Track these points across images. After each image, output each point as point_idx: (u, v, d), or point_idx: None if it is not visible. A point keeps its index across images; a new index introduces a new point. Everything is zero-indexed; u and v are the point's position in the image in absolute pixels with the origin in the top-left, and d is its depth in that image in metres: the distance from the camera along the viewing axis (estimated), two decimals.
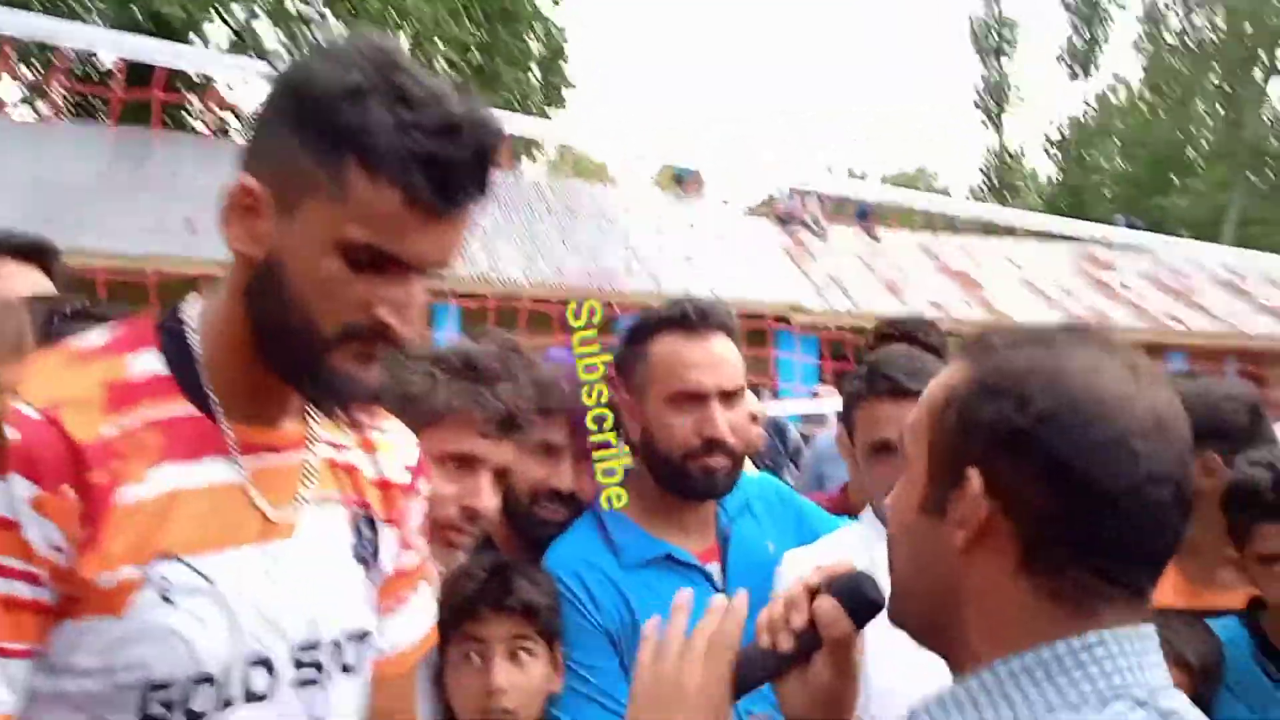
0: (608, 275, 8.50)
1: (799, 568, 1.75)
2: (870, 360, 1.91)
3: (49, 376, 1.05)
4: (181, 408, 1.09)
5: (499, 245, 11.24)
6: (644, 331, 1.86)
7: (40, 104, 18.10)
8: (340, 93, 1.00)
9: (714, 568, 1.87)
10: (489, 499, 1.64)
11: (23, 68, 16.09)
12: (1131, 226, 13.42)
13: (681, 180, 16.43)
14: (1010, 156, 34.57)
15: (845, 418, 1.94)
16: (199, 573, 1.05)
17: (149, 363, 1.09)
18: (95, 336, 1.11)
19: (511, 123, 6.74)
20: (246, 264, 1.08)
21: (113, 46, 5.84)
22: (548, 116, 22.23)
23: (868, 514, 1.91)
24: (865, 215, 17.17)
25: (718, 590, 1.83)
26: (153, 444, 1.05)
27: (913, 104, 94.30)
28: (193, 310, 1.14)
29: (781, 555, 1.86)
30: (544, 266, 10.54)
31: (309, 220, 1.03)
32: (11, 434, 0.98)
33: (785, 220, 17.25)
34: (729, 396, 1.82)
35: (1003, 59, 33.66)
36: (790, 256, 15.63)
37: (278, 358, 1.09)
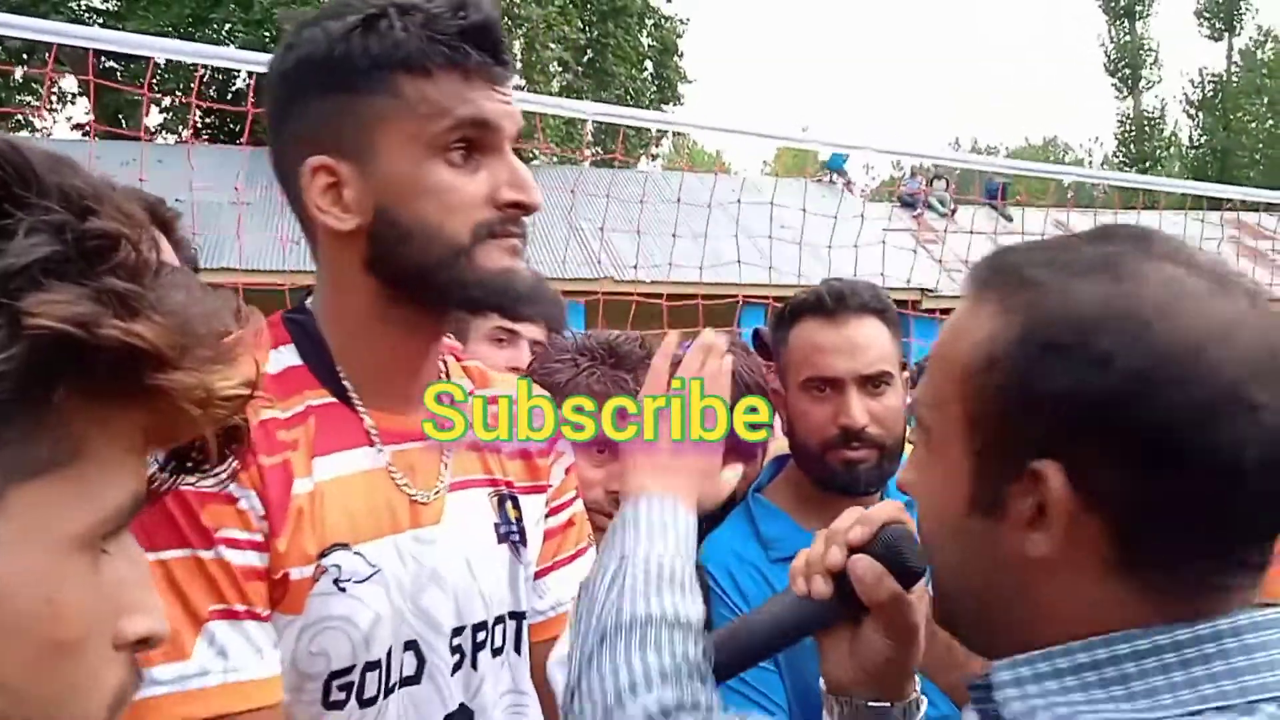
0: (724, 266, 8.43)
1: None
2: None
3: None
4: (322, 397, 1.09)
5: (614, 239, 11.30)
6: (785, 317, 1.80)
7: (182, 129, 19.11)
8: (353, 33, 1.02)
9: None
10: None
11: (166, 99, 17.05)
12: None
13: (836, 170, 16.25)
14: (1147, 122, 32.80)
15: None
16: (367, 560, 1.06)
17: (286, 357, 1.10)
18: None
19: (628, 116, 6.75)
20: (358, 237, 1.07)
21: (243, 63, 6.11)
22: (664, 112, 22.28)
23: None
24: (995, 194, 16.60)
25: None
26: (309, 435, 1.06)
27: (1038, 74, 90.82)
28: (315, 303, 1.15)
29: None
30: (659, 259, 10.55)
31: (392, 150, 1.04)
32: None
33: (909, 203, 16.81)
34: (870, 382, 1.71)
35: (1136, 21, 31.93)
36: (915, 239, 15.23)
37: (434, 293, 1.08)
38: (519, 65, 20.02)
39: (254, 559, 1.00)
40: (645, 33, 22.20)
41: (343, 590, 1.04)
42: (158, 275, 0.55)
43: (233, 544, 0.99)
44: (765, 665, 1.69)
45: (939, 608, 0.84)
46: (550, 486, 1.29)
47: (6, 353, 0.49)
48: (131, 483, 0.57)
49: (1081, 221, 16.76)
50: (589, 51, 20.83)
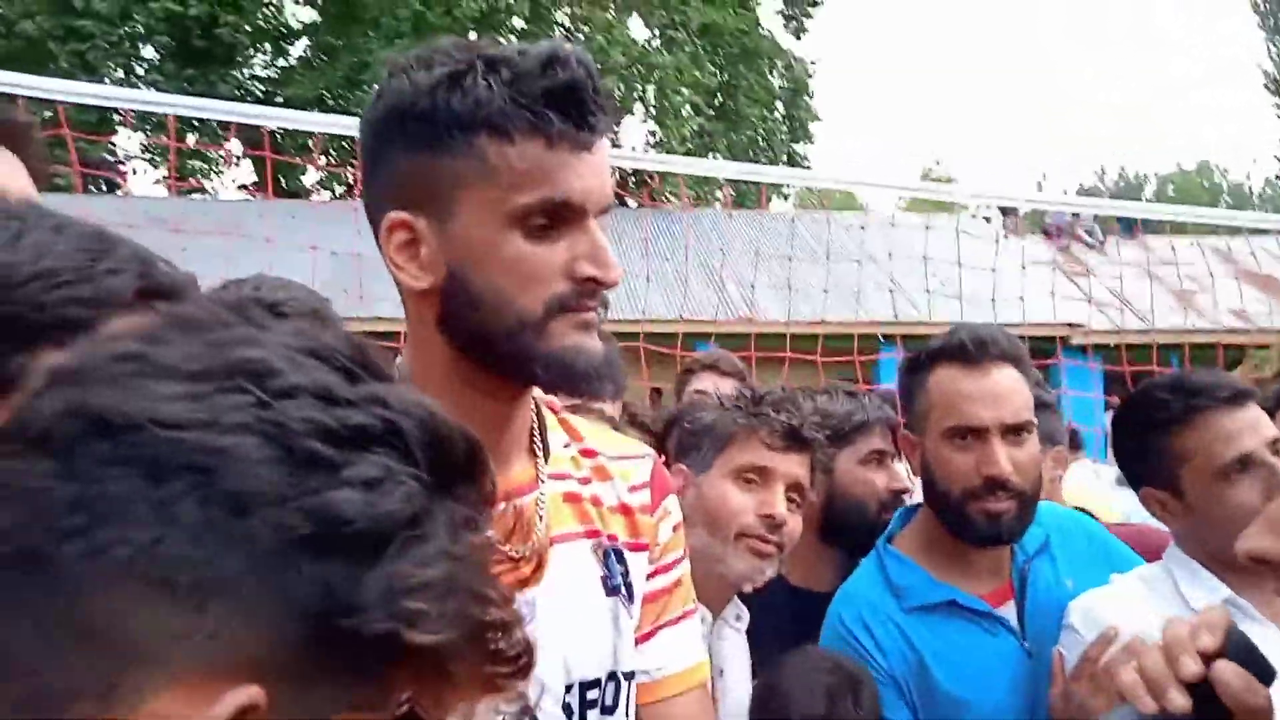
0: (869, 310, 8.37)
1: (1089, 616, 1.63)
2: (1174, 379, 1.71)
3: None
4: None
5: (756, 287, 11.33)
6: (923, 363, 1.79)
7: (336, 187, 20.21)
8: (439, 88, 0.99)
9: (1008, 610, 1.76)
10: (783, 506, 1.68)
11: (321, 158, 18.08)
12: None
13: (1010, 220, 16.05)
14: None
15: (1155, 445, 1.69)
16: None
17: None
18: None
19: (764, 174, 6.83)
20: (432, 296, 1.05)
21: None
22: (795, 151, 22.28)
23: (1173, 552, 1.72)
24: (1131, 225, 15.91)
25: (1013, 635, 1.74)
26: None
27: (1190, 92, 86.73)
28: (402, 362, 1.12)
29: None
30: (803, 307, 10.53)
31: (470, 214, 1.01)
32: None
33: (1055, 234, 16.30)
34: (1013, 431, 1.70)
35: None
36: (1064, 273, 14.71)
37: (498, 363, 1.05)
38: (652, 112, 20.35)
39: None
40: (776, 74, 22.27)
41: None
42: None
43: None
44: (897, 710, 1.68)
45: None
46: (655, 545, 1.24)
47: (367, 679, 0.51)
48: None
49: (1244, 248, 15.79)
50: (720, 95, 21.02)
